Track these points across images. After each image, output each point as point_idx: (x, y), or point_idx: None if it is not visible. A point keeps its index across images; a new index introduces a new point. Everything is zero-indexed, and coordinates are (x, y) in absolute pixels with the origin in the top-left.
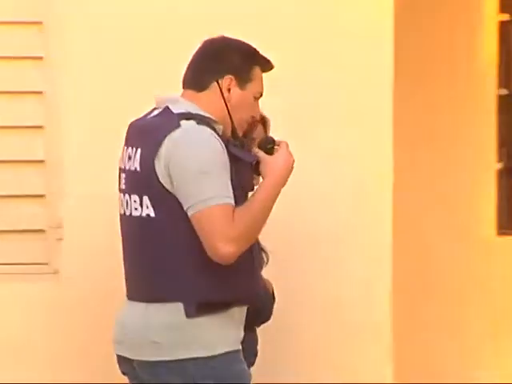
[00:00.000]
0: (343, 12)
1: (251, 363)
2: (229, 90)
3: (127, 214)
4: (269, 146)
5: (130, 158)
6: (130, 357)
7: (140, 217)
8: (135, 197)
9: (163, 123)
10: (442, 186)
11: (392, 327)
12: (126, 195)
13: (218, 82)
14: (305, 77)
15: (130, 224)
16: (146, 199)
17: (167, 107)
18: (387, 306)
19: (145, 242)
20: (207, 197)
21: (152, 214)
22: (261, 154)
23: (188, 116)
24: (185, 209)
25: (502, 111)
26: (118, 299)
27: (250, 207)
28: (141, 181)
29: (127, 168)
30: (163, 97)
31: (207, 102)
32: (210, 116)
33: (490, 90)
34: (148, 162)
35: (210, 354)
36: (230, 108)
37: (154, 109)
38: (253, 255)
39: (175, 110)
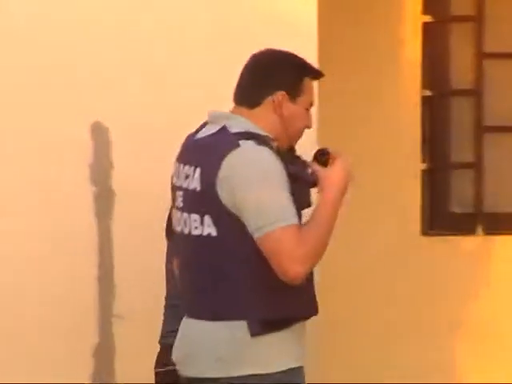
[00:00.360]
0: (264, 24)
1: None
2: (281, 105)
3: (185, 232)
4: (324, 158)
5: (187, 176)
6: (191, 375)
7: (201, 236)
8: (195, 216)
9: (222, 143)
10: (368, 187)
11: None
12: (185, 214)
13: (270, 99)
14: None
15: (189, 242)
16: (207, 218)
17: (225, 126)
18: None
19: (206, 260)
20: (273, 219)
21: (214, 233)
22: (316, 167)
23: (246, 136)
24: (250, 231)
25: (425, 112)
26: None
27: (314, 225)
28: (202, 200)
29: (184, 186)
30: (218, 113)
31: (261, 118)
32: (267, 134)
33: (413, 92)
34: (209, 182)
35: (273, 370)
36: (282, 124)
37: (205, 123)
38: (312, 270)
39: (232, 128)
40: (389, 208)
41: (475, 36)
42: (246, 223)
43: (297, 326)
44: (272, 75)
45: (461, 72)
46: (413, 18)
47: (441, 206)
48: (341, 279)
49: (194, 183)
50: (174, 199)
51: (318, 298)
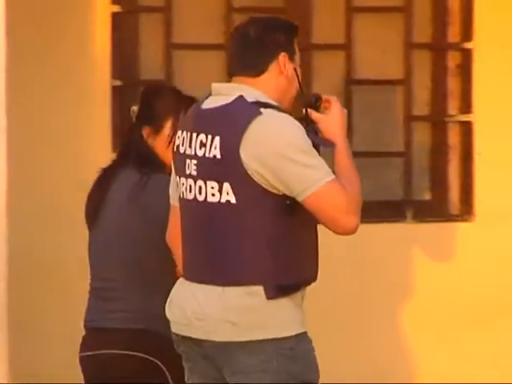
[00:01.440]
0: None
1: None
2: (285, 65)
3: (200, 199)
4: (318, 103)
5: (203, 145)
6: (202, 338)
7: (218, 203)
8: (213, 183)
9: (243, 111)
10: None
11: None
12: (200, 181)
13: (275, 62)
14: None
15: (202, 209)
16: (226, 186)
17: (242, 96)
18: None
19: (224, 227)
20: (320, 176)
21: (232, 200)
22: (317, 115)
23: (263, 105)
24: (295, 194)
25: (116, 102)
26: None
27: (346, 176)
28: (222, 168)
29: (200, 155)
30: (227, 85)
31: (268, 84)
32: (278, 104)
33: (104, 83)
34: (230, 149)
35: (286, 334)
36: (287, 83)
37: (208, 96)
38: (316, 234)
39: (248, 98)
40: None
41: (164, 27)
42: (289, 187)
43: (300, 292)
44: (271, 39)
45: (150, 62)
46: (102, 8)
47: None
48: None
49: (213, 151)
50: (179, 168)
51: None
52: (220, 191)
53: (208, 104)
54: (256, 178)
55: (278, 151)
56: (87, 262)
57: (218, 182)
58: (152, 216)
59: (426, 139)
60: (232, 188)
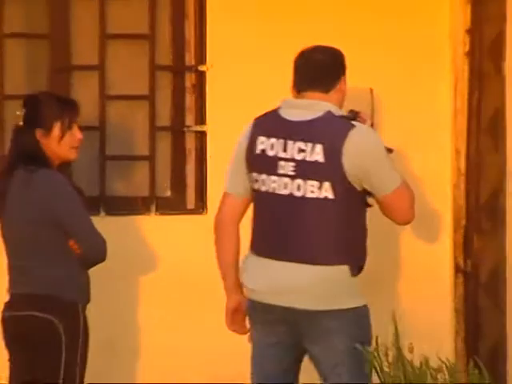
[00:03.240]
0: None
1: None
2: (344, 85)
3: (297, 195)
4: (356, 118)
5: (302, 150)
6: (296, 306)
7: (317, 198)
8: (313, 182)
9: (338, 124)
10: None
11: None
12: (299, 180)
13: (338, 82)
14: None
15: (299, 203)
16: (326, 184)
17: (330, 111)
18: None
19: (319, 218)
20: (398, 176)
21: (330, 196)
22: None
23: (350, 118)
24: (378, 191)
25: None
26: None
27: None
28: (324, 170)
29: (298, 158)
30: (303, 101)
31: (333, 99)
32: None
33: None
34: (334, 156)
35: (362, 304)
36: (342, 99)
37: (279, 108)
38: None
39: (335, 113)
40: None
41: None
42: (376, 185)
43: None
44: (339, 63)
45: None
46: None
47: None
48: None
49: (315, 156)
50: (264, 167)
51: None
52: (320, 189)
53: (292, 116)
54: (351, 179)
55: (374, 158)
56: None
57: (318, 181)
58: (38, 202)
59: (168, 146)
60: (331, 186)
